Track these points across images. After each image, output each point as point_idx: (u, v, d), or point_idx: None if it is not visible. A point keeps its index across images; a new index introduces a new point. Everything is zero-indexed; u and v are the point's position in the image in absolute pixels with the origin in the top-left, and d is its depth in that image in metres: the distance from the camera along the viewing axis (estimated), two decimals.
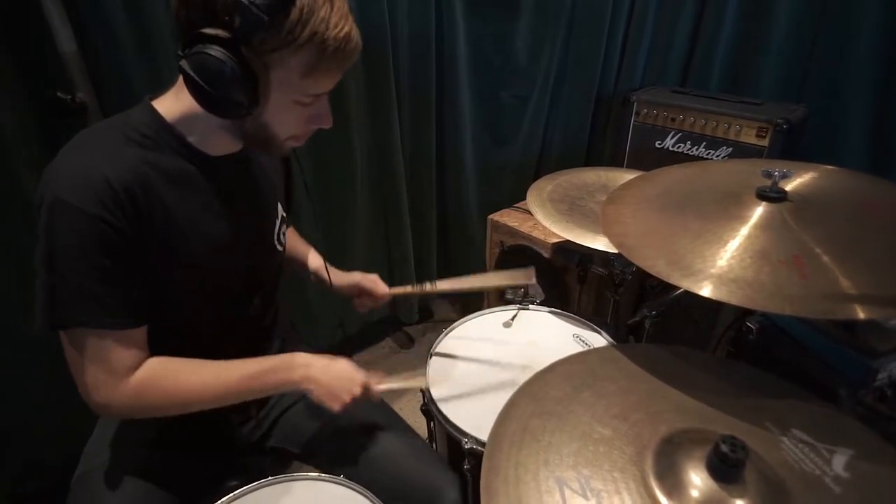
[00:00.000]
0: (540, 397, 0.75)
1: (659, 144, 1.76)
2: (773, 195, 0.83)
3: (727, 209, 0.85)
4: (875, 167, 1.74)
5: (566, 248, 1.54)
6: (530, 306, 1.27)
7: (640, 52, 2.04)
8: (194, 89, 0.67)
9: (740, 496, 0.57)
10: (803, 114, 1.56)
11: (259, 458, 1.02)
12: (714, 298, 0.70)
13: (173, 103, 0.76)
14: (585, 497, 0.60)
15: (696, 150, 1.68)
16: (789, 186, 0.85)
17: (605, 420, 0.69)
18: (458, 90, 1.86)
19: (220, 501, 0.81)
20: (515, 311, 1.26)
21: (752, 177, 0.89)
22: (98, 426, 0.95)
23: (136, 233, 0.71)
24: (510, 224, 1.79)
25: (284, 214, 0.97)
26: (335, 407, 0.83)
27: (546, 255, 1.66)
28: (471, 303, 1.83)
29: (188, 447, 0.92)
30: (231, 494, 0.82)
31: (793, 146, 1.53)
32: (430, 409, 1.05)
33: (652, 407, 0.72)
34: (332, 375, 0.85)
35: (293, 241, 1.17)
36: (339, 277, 1.15)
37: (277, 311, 1.04)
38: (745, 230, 0.80)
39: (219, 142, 0.80)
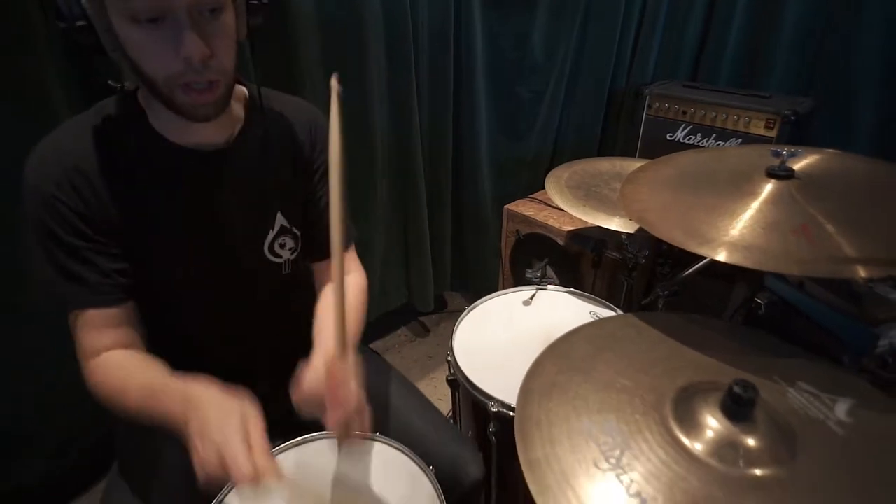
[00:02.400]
0: (565, 356, 0.82)
1: (670, 136, 1.82)
2: (781, 173, 0.89)
3: (739, 186, 0.91)
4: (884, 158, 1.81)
5: (581, 235, 1.60)
6: (548, 286, 1.34)
7: (652, 48, 2.11)
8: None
9: (751, 434, 0.63)
10: (811, 106, 1.62)
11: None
12: (728, 262, 0.76)
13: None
14: (612, 436, 0.66)
15: (706, 141, 1.74)
16: (796, 166, 0.92)
17: (627, 374, 0.76)
18: (475, 85, 1.92)
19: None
20: (534, 291, 1.33)
21: (761, 159, 0.95)
22: None
23: (96, 215, 0.72)
24: (526, 213, 1.85)
25: (287, 224, 0.90)
26: (199, 474, 0.59)
27: (561, 242, 1.73)
28: (483, 289, 1.90)
29: None
30: (274, 449, 0.88)
31: (801, 138, 1.59)
32: (456, 378, 1.12)
33: (669, 364, 0.78)
34: (210, 430, 0.61)
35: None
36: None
37: (288, 320, 0.96)
38: (756, 204, 0.86)
39: (177, 127, 0.76)
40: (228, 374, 0.95)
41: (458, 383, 1.11)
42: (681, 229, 0.84)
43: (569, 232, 1.68)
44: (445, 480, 0.86)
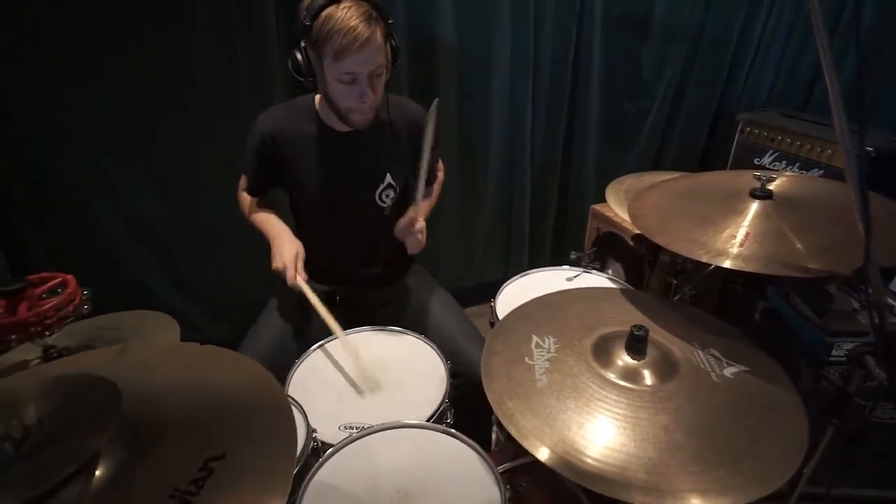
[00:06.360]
0: (546, 303, 1.13)
1: (757, 161, 1.92)
2: (761, 195, 1.09)
3: (726, 202, 1.12)
4: None
5: (643, 238, 1.82)
6: (592, 271, 1.61)
7: (765, 77, 2.19)
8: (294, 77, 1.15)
9: (644, 365, 0.90)
10: None
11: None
12: (684, 255, 1.01)
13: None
14: (549, 350, 0.97)
15: (790, 169, 1.82)
16: (774, 187, 1.11)
17: (581, 320, 1.05)
18: (589, 98, 2.21)
19: (329, 337, 1.28)
20: (580, 273, 1.61)
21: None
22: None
23: (271, 156, 1.29)
24: (607, 214, 2.10)
25: (392, 182, 1.35)
26: (273, 266, 1.23)
27: (630, 241, 1.96)
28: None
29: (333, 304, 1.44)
30: (340, 333, 1.30)
31: (883, 175, 1.60)
32: (494, 322, 1.47)
33: (618, 321, 1.04)
34: (277, 249, 1.25)
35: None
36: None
37: (383, 246, 1.43)
38: (738, 219, 1.07)
39: (334, 119, 1.25)
40: (333, 274, 1.46)
41: (494, 324, 1.46)
42: (653, 224, 1.11)
43: (636, 234, 1.90)
44: (463, 374, 1.22)
